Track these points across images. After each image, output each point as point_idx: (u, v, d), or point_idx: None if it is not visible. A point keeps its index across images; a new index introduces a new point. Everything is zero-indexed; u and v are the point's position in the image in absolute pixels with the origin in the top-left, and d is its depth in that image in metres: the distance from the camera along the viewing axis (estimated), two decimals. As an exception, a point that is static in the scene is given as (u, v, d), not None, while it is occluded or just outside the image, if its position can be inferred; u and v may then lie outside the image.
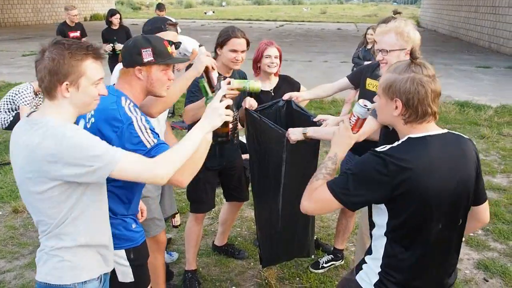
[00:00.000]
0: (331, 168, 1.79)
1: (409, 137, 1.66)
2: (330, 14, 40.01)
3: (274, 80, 3.42)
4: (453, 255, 1.79)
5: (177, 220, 4.21)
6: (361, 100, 1.83)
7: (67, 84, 1.62)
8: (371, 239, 1.81)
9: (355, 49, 7.47)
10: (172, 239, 3.98)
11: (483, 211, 1.86)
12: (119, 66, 2.70)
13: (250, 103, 2.91)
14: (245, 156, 4.79)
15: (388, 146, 1.64)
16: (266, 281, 3.38)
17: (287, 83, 3.44)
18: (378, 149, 1.65)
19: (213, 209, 3.61)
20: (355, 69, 7.25)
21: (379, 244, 1.73)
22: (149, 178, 1.71)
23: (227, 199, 3.42)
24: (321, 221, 4.29)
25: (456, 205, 1.68)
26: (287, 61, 12.79)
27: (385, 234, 1.70)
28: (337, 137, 1.85)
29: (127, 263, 2.14)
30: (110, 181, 1.78)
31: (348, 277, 1.98)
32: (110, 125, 1.90)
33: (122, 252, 2.11)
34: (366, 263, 1.82)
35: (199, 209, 3.27)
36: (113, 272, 2.09)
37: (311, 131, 2.56)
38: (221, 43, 2.94)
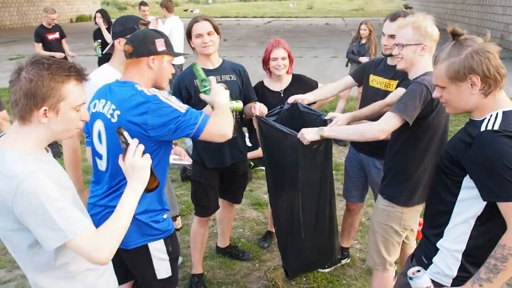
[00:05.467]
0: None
1: (503, 111, 1.64)
2: (317, 9, 39.98)
3: (286, 80, 3.33)
4: None
5: (178, 223, 4.16)
6: (409, 273, 1.75)
7: (45, 110, 1.46)
8: (441, 222, 1.77)
9: (345, 43, 7.48)
10: (175, 242, 3.92)
11: None
12: (107, 66, 2.67)
13: (261, 109, 2.84)
14: (251, 154, 4.77)
15: (496, 122, 1.60)
16: (273, 282, 3.34)
17: (300, 83, 3.33)
18: (490, 128, 1.60)
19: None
20: (349, 64, 7.30)
21: (463, 223, 1.69)
22: (92, 259, 1.50)
23: (220, 195, 3.36)
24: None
25: None
26: (277, 57, 12.74)
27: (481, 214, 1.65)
28: None
29: (167, 257, 2.19)
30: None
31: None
32: (137, 111, 1.94)
33: (162, 245, 2.14)
34: (439, 250, 1.78)
35: (203, 212, 3.22)
36: (150, 273, 2.15)
37: (328, 131, 2.51)
38: (188, 35, 2.96)
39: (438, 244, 1.80)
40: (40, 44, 7.37)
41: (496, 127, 1.60)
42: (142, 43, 2.07)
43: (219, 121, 2.06)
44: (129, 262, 2.22)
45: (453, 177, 1.71)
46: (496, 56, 1.63)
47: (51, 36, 7.47)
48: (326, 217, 3.02)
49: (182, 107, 2.01)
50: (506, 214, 1.57)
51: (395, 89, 2.77)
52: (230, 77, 3.02)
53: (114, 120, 1.98)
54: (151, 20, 7.66)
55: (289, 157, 2.77)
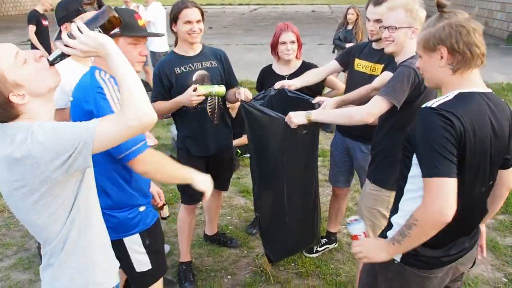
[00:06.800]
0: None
1: (459, 92, 1.62)
2: (303, -4, 39.76)
3: (295, 65, 3.26)
4: (478, 216, 1.79)
5: (165, 212, 4.11)
6: (348, 220, 1.91)
7: (12, 94, 1.38)
8: (397, 197, 1.79)
9: (331, 31, 7.46)
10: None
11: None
12: (67, 62, 2.55)
13: (246, 94, 2.79)
14: (236, 142, 4.75)
15: (441, 101, 1.59)
16: (261, 268, 3.35)
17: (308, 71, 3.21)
18: (429, 105, 1.60)
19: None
20: (336, 51, 7.27)
21: (411, 199, 1.71)
22: (137, 130, 1.44)
23: None
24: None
25: (489, 165, 1.66)
26: (263, 45, 12.69)
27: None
28: (370, 252, 1.80)
29: (144, 250, 2.12)
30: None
31: None
32: (84, 97, 1.87)
33: (137, 238, 2.09)
34: (391, 228, 1.81)
35: (189, 200, 3.19)
36: (129, 265, 2.10)
37: (315, 114, 2.49)
38: (174, 18, 2.85)
39: (392, 219, 1.84)
40: (34, 27, 7.21)
41: (434, 106, 1.60)
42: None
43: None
44: None
45: (407, 152, 1.72)
46: (471, 32, 1.59)
47: (44, 22, 7.34)
48: (311, 202, 3.03)
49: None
50: (424, 189, 1.58)
51: (381, 73, 2.76)
52: (211, 63, 2.98)
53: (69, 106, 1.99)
54: (130, 3, 7.55)
55: (275, 141, 2.74)
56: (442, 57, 1.64)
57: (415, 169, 1.67)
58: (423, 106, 1.65)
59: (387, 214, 2.56)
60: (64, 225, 1.52)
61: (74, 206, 1.53)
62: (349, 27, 6.79)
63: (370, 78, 2.82)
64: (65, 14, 2.41)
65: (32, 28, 7.20)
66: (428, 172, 1.55)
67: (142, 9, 7.55)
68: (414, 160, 1.66)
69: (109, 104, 1.83)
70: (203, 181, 1.99)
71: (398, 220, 1.78)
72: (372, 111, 2.30)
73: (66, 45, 1.43)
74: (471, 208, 1.71)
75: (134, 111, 1.41)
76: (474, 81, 1.66)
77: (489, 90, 1.69)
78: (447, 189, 1.51)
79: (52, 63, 1.47)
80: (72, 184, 1.50)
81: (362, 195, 2.71)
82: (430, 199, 1.53)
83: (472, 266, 1.90)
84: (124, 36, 1.95)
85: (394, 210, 1.84)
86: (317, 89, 3.10)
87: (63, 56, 1.47)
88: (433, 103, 1.61)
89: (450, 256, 1.75)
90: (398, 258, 1.77)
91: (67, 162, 1.38)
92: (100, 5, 2.40)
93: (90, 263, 1.63)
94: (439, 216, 1.52)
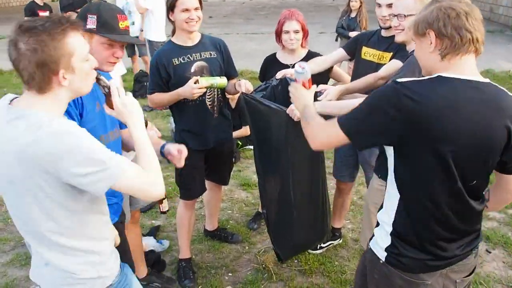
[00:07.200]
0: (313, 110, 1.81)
1: (438, 75, 1.50)
2: (304, -16, 39.40)
3: (300, 54, 3.12)
4: (463, 219, 1.62)
5: (164, 206, 4.00)
6: (296, 66, 1.98)
7: (63, 72, 1.39)
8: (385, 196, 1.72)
9: (333, 19, 7.34)
10: (161, 226, 3.79)
11: None
12: None
13: (247, 86, 2.67)
14: (236, 133, 4.64)
15: (412, 79, 1.50)
16: (264, 265, 3.24)
17: None
18: (398, 79, 1.52)
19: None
20: (339, 39, 7.11)
21: (392, 198, 1.63)
22: (149, 195, 1.53)
23: (206, 177, 3.21)
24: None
25: (467, 160, 1.50)
26: (264, 34, 12.53)
27: (397, 187, 1.59)
28: (296, 97, 1.96)
29: None
30: None
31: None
32: None
33: None
34: (378, 225, 1.73)
35: (188, 195, 3.07)
36: None
37: (320, 106, 2.36)
38: (171, 7, 2.73)
39: (378, 215, 1.77)
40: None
41: (400, 80, 1.50)
42: (79, 15, 1.91)
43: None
44: None
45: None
46: (462, 15, 1.46)
47: (42, 14, 7.18)
48: (319, 196, 2.92)
49: None
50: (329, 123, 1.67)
51: (389, 61, 2.63)
52: (211, 54, 2.87)
53: None
54: None
55: (278, 134, 2.63)
56: (431, 42, 1.51)
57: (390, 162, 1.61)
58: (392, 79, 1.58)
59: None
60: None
61: None
62: (352, 15, 6.64)
63: (377, 66, 2.69)
64: (71, 3, 2.54)
65: None
66: (343, 119, 1.58)
67: None
68: (389, 150, 1.58)
69: None
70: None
71: (381, 217, 1.71)
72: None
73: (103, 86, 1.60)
74: (452, 208, 1.56)
75: (162, 187, 1.53)
76: (463, 69, 1.51)
77: (484, 80, 1.53)
78: (334, 137, 1.61)
79: (97, 78, 1.58)
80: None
81: (369, 191, 2.59)
82: (320, 132, 1.69)
83: (469, 275, 1.73)
84: (98, 35, 1.88)
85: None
86: (321, 80, 2.96)
87: (103, 89, 1.63)
88: (404, 79, 1.51)
89: (436, 261, 1.61)
90: (382, 257, 1.67)
91: (84, 179, 1.39)
92: None
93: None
94: (312, 143, 1.71)
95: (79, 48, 1.43)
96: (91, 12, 1.89)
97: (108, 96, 1.61)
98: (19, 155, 1.35)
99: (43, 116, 1.38)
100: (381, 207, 1.75)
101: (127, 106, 1.58)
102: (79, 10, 2.13)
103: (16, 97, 1.48)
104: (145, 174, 1.48)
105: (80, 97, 1.76)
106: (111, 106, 1.61)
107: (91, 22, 1.87)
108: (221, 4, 23.32)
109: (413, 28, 1.58)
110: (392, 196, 1.63)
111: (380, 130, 1.50)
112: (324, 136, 1.67)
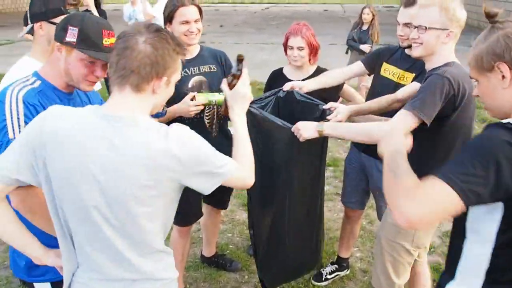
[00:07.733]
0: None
1: None
2: (316, -5, 39.36)
3: (308, 71, 2.90)
4: None
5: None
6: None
7: (166, 79, 1.42)
8: (454, 253, 1.40)
9: (344, 30, 7.14)
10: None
11: None
12: (26, 58, 2.20)
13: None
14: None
15: None
16: (263, 297, 2.97)
17: None
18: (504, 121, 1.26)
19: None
20: (349, 52, 6.88)
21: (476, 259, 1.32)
22: (244, 186, 1.61)
23: (203, 200, 2.99)
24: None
25: None
26: (274, 44, 12.35)
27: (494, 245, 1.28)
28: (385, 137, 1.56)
29: None
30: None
31: None
32: None
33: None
34: None
35: (183, 221, 2.81)
36: None
37: (329, 128, 2.12)
38: (168, 18, 2.52)
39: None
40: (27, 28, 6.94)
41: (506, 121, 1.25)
42: (58, 26, 1.71)
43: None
44: None
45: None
46: None
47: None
48: (316, 219, 2.69)
49: (14, 133, 1.61)
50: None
51: (411, 82, 2.37)
52: (210, 68, 2.65)
53: None
54: (137, 1, 7.28)
55: (280, 152, 2.40)
56: (504, 76, 1.28)
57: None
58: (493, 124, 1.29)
59: (411, 249, 2.21)
60: None
61: None
62: (364, 27, 6.42)
63: (396, 86, 2.45)
64: (43, 11, 2.12)
65: (25, 29, 6.93)
66: (446, 175, 1.24)
67: (148, 5, 7.26)
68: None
69: (5, 118, 1.64)
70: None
71: None
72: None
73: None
74: None
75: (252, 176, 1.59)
76: None
77: None
78: (441, 201, 1.22)
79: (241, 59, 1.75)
80: None
81: (382, 225, 2.32)
82: (419, 199, 1.24)
83: None
84: (78, 50, 1.66)
85: (449, 275, 1.42)
86: (329, 98, 2.71)
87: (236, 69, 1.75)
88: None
89: None
90: None
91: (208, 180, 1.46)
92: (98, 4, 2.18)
93: None
94: (404, 213, 1.23)
95: (179, 71, 1.48)
96: (73, 24, 1.67)
97: (235, 76, 1.73)
98: (148, 163, 1.33)
99: (148, 121, 1.40)
100: (450, 277, 1.41)
101: (245, 95, 1.70)
102: (53, 20, 1.93)
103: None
104: (241, 168, 1.54)
105: (89, 99, 1.85)
106: (231, 86, 1.72)
107: (71, 35, 1.66)
108: (232, 14, 23.30)
109: (474, 63, 1.36)
110: (474, 256, 1.33)
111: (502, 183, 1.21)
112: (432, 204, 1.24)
